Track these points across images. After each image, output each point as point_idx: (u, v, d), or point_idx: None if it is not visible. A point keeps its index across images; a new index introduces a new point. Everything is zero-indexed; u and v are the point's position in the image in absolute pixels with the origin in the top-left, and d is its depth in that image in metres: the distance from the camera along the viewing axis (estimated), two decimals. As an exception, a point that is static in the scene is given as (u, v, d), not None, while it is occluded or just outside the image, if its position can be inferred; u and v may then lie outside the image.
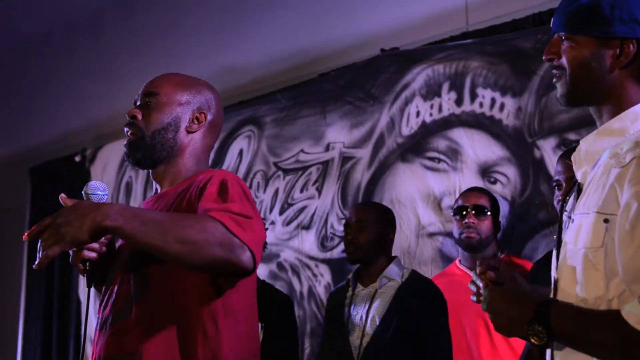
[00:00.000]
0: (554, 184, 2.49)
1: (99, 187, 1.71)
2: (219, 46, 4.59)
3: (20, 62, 5.80)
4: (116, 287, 1.74)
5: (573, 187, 1.44)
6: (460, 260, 3.05)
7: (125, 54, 5.11)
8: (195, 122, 1.87)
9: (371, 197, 3.68)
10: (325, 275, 3.81)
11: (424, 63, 3.64)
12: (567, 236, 1.37)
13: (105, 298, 1.77)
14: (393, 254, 2.96)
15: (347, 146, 3.88)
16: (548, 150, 3.19)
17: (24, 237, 1.51)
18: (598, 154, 1.37)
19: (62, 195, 1.60)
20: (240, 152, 4.33)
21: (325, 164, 3.94)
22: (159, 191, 1.87)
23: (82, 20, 5.37)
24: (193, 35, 4.76)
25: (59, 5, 5.38)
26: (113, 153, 4.94)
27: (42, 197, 5.37)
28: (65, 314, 4.98)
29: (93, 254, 1.73)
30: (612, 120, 1.37)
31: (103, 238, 1.73)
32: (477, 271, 1.44)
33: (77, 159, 5.15)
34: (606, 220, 1.26)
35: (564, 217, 1.43)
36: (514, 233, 3.21)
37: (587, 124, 3.05)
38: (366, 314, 2.77)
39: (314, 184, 3.96)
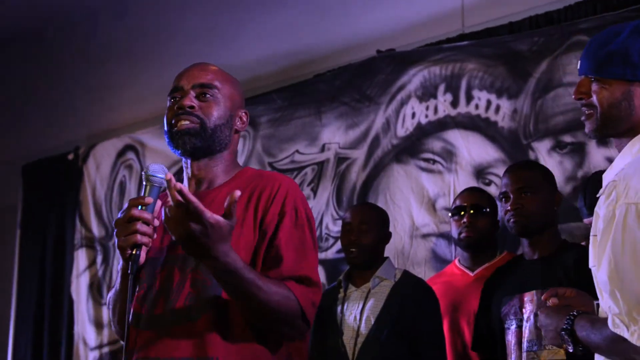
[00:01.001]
0: (501, 195, 2.52)
1: (159, 170, 1.65)
2: (214, 45, 4.58)
3: (12, 58, 5.77)
4: (174, 286, 1.67)
5: None
6: (459, 260, 3.03)
7: (120, 52, 5.08)
8: (240, 121, 1.86)
9: (366, 198, 3.68)
10: (320, 276, 3.80)
11: (420, 64, 3.64)
12: None
13: (152, 294, 1.69)
14: (387, 254, 2.98)
15: (342, 147, 3.88)
16: (543, 152, 3.20)
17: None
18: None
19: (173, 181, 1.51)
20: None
21: (321, 165, 3.94)
22: (199, 185, 1.81)
23: (76, 18, 5.34)
24: (188, 35, 4.74)
25: (53, 2, 5.34)
26: (106, 151, 4.91)
27: (34, 196, 5.33)
28: (57, 314, 4.93)
29: (146, 239, 1.63)
30: (622, 150, 1.53)
31: (156, 220, 1.66)
32: (542, 298, 1.71)
33: (70, 157, 5.10)
34: None
35: None
36: (507, 235, 3.20)
37: (582, 127, 3.05)
38: (360, 314, 2.77)
39: (309, 184, 3.95)
